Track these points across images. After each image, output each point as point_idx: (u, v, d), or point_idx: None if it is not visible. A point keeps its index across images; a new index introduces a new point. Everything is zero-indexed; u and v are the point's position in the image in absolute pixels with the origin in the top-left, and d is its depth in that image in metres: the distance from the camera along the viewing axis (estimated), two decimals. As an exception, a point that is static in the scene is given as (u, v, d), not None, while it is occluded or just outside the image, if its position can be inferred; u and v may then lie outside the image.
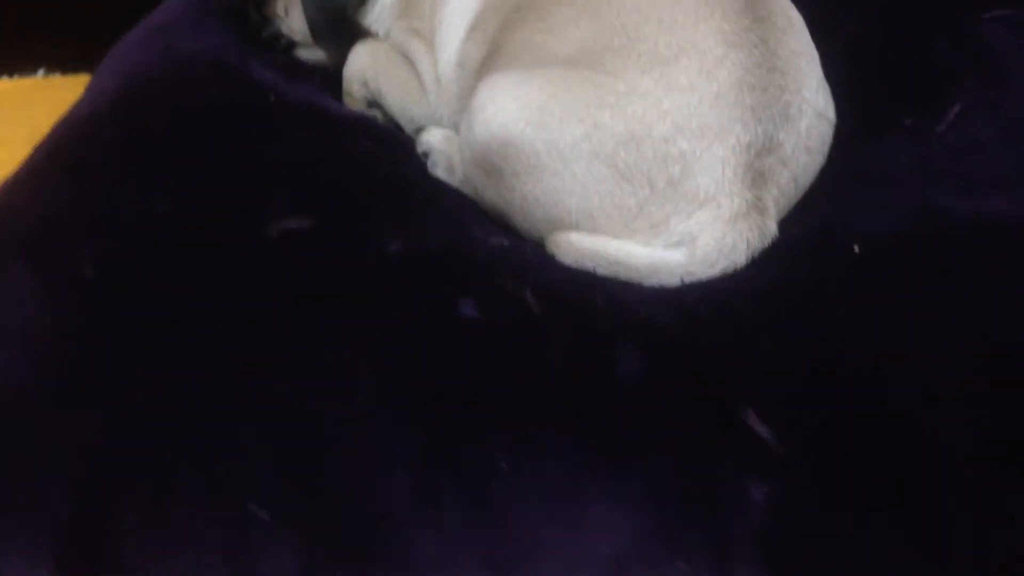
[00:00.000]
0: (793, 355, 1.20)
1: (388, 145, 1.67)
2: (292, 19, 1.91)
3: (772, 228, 1.44)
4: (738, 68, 1.44)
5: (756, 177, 1.44)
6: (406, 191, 1.53)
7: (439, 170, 1.69)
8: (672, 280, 1.42)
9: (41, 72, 2.71)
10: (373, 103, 1.84)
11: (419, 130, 1.75)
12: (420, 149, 1.72)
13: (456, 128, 1.73)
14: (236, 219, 1.42)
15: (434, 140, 1.72)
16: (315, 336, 1.29)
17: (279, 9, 1.91)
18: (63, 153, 1.59)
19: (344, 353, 1.27)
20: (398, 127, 1.81)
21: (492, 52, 1.61)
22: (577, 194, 1.44)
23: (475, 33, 1.66)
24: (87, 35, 2.69)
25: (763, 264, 1.42)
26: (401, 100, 1.79)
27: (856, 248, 1.36)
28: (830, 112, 1.56)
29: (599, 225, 1.45)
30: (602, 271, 1.44)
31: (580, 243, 1.45)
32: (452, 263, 1.38)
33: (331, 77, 1.89)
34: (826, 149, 1.55)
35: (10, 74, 2.71)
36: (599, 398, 1.22)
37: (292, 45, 1.95)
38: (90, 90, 1.91)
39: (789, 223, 1.47)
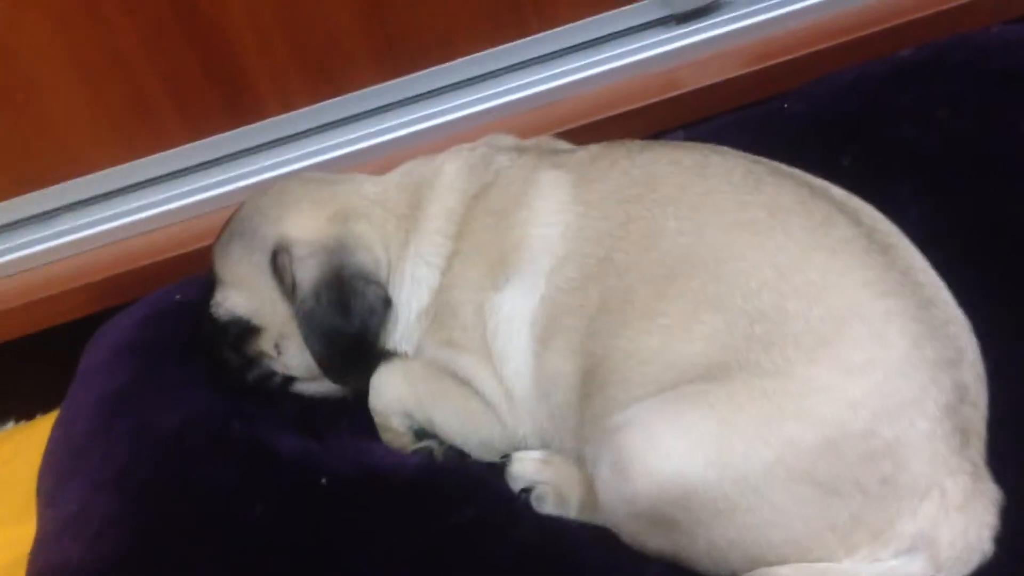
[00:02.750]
0: None
1: (486, 502, 1.36)
2: (288, 356, 1.57)
3: (996, 493, 1.22)
4: (905, 321, 1.23)
5: (962, 439, 1.21)
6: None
7: (547, 506, 1.41)
8: (923, 600, 1.18)
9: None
10: (422, 433, 1.52)
11: (504, 459, 1.45)
12: (516, 486, 1.42)
13: (544, 444, 1.45)
14: None
15: (530, 472, 1.42)
16: None
17: (266, 347, 1.58)
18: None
19: None
20: (460, 453, 1.51)
21: (594, 365, 1.33)
22: (780, 525, 1.18)
23: (555, 343, 1.38)
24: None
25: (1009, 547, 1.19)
26: (463, 426, 1.48)
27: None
28: (962, 313, 1.35)
29: (811, 552, 1.19)
30: (834, 609, 1.18)
31: (798, 582, 1.19)
32: None
33: (354, 409, 1.57)
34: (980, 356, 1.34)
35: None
36: None
37: (289, 382, 1.61)
38: (53, 520, 1.50)
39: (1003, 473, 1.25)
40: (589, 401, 1.34)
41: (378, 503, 1.35)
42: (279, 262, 1.52)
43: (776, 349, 1.21)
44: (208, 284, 1.63)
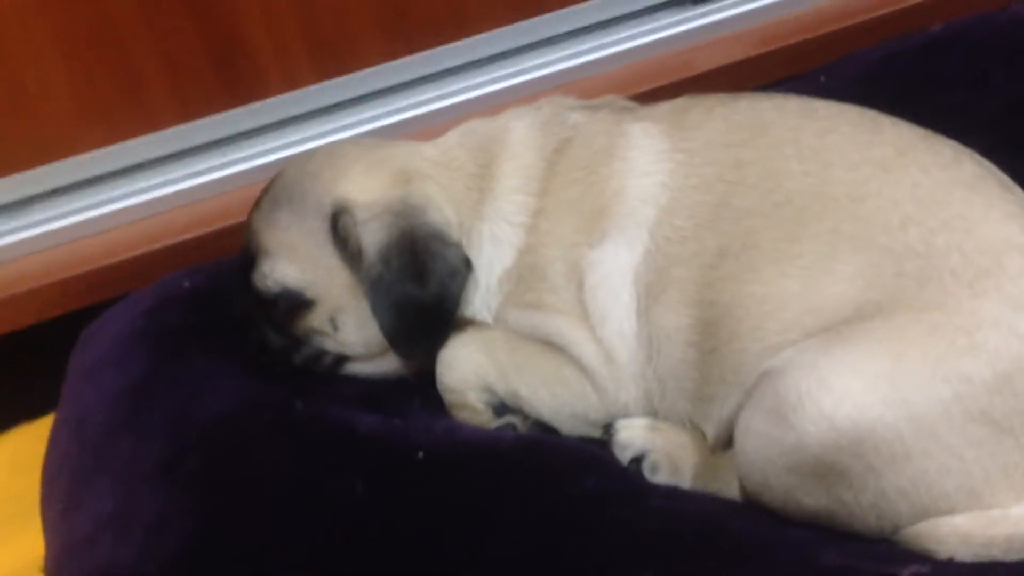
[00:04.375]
0: None
1: (602, 473, 1.24)
2: (345, 331, 1.42)
3: None
4: None
5: None
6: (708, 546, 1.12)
7: (661, 475, 1.30)
8: (1102, 538, 1.11)
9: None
10: (502, 409, 1.39)
11: (606, 431, 1.33)
12: (624, 454, 1.31)
13: (647, 411, 1.34)
14: None
15: (640, 439, 1.31)
16: None
17: (319, 323, 1.42)
18: None
19: None
20: (546, 428, 1.38)
21: (718, 316, 1.24)
22: (955, 471, 1.11)
23: (666, 297, 1.28)
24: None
25: None
26: (555, 398, 1.36)
27: None
28: None
29: (982, 498, 1.12)
30: (1015, 555, 1.11)
31: (977, 529, 1.11)
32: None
33: (422, 386, 1.42)
34: None
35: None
36: None
37: (341, 362, 1.46)
38: (79, 524, 1.30)
39: None
40: (715, 356, 1.24)
41: (488, 477, 1.21)
42: (340, 226, 1.38)
43: (933, 284, 1.15)
44: (242, 260, 1.46)
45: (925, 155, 1.25)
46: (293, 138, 1.89)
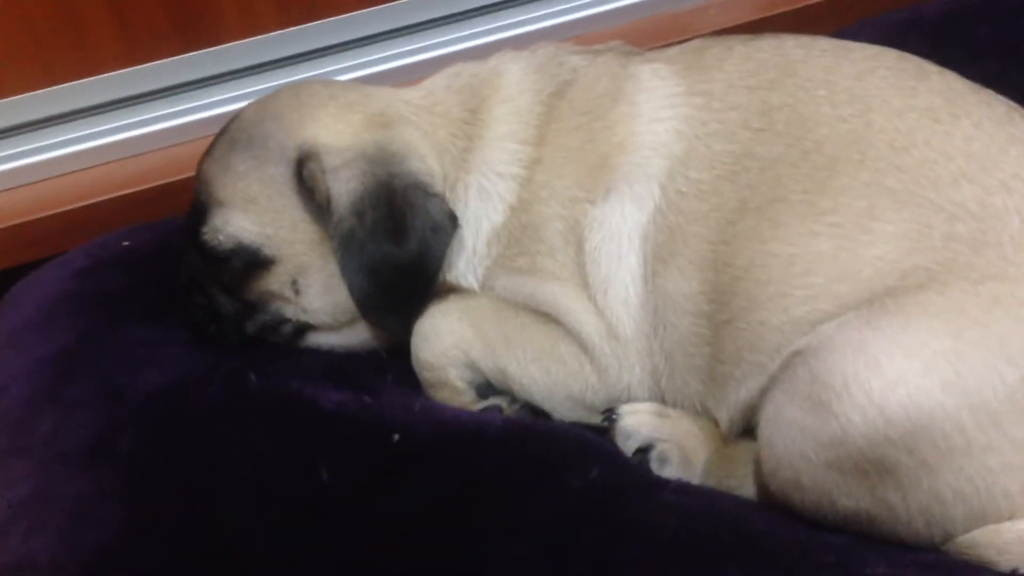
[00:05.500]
0: None
1: (606, 463, 1.07)
2: (309, 296, 1.24)
3: None
4: None
5: None
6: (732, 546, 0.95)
7: (670, 468, 1.13)
8: None
9: None
10: (487, 389, 1.22)
11: (607, 416, 1.16)
12: (628, 444, 1.14)
13: (651, 394, 1.17)
14: None
15: (647, 427, 1.14)
16: None
17: (278, 287, 1.24)
18: None
19: None
20: (536, 412, 1.21)
21: (733, 280, 1.08)
22: (1020, 468, 0.95)
23: (678, 259, 1.12)
24: None
25: None
26: (548, 377, 1.19)
27: None
28: None
29: (1049, 501, 0.96)
30: (1087, 568, 0.96)
31: (1045, 537, 0.96)
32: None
33: (395, 361, 1.25)
34: None
35: None
36: None
37: (302, 331, 1.28)
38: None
39: None
40: (729, 329, 1.08)
41: (477, 465, 1.03)
42: (306, 173, 1.20)
43: (991, 250, 1.00)
44: (191, 214, 1.28)
45: (977, 108, 1.10)
46: (251, 88, 1.70)
